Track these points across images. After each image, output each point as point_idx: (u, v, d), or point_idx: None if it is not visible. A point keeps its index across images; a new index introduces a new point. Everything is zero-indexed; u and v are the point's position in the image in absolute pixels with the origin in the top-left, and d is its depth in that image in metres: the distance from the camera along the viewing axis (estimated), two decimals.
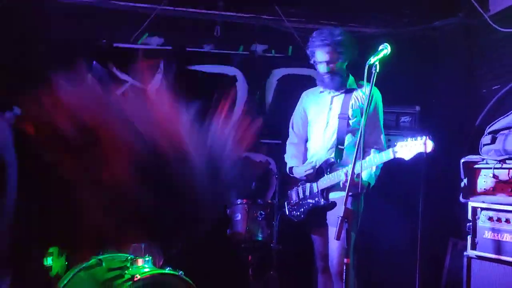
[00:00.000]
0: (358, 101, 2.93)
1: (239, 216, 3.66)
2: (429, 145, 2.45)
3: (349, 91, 2.97)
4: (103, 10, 4.02)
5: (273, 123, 4.30)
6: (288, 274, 3.69)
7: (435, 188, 3.72)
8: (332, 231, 2.75)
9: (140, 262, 2.49)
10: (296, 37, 4.35)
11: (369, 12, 4.34)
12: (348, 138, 2.93)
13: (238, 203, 3.71)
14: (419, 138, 2.50)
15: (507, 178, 2.61)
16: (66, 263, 2.61)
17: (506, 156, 2.61)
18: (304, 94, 3.20)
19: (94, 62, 4.17)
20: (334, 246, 2.81)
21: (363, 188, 2.77)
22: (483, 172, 2.74)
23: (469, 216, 2.75)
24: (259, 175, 4.17)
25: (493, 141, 2.70)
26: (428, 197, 3.64)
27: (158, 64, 4.29)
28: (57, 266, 2.52)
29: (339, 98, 2.98)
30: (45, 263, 2.50)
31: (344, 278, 2.23)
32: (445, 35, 4.31)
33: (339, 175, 2.77)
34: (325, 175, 2.89)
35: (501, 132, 2.72)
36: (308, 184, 3.01)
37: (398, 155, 2.56)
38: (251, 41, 4.43)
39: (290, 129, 3.23)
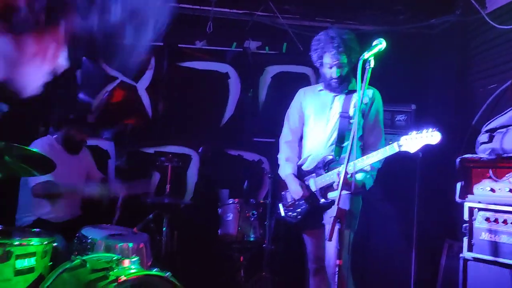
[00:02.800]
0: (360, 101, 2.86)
1: (230, 216, 3.59)
2: (437, 137, 2.42)
3: (350, 92, 2.90)
4: None
5: (267, 121, 4.22)
6: (280, 275, 3.62)
7: (431, 188, 3.66)
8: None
9: (126, 262, 2.39)
10: (290, 34, 4.27)
11: (365, 10, 4.26)
12: (348, 137, 2.85)
13: (230, 202, 3.63)
14: (424, 130, 2.46)
15: (505, 177, 2.54)
16: (50, 263, 2.51)
17: (504, 155, 2.54)
18: (301, 91, 3.09)
19: (84, 58, 4.08)
20: (331, 246, 2.73)
21: (356, 188, 2.69)
22: (479, 171, 2.67)
23: (466, 217, 2.68)
24: (251, 174, 4.10)
25: (490, 139, 2.63)
26: (424, 197, 3.58)
27: (149, 60, 4.21)
28: (40, 267, 2.41)
29: (340, 97, 2.91)
30: (27, 263, 2.38)
31: (336, 280, 2.16)
32: (441, 33, 4.25)
33: (335, 174, 2.70)
34: (324, 173, 2.81)
35: (499, 131, 2.65)
36: (304, 184, 2.92)
37: (403, 149, 2.52)
38: (245, 37, 4.36)
39: (285, 124, 3.12)
